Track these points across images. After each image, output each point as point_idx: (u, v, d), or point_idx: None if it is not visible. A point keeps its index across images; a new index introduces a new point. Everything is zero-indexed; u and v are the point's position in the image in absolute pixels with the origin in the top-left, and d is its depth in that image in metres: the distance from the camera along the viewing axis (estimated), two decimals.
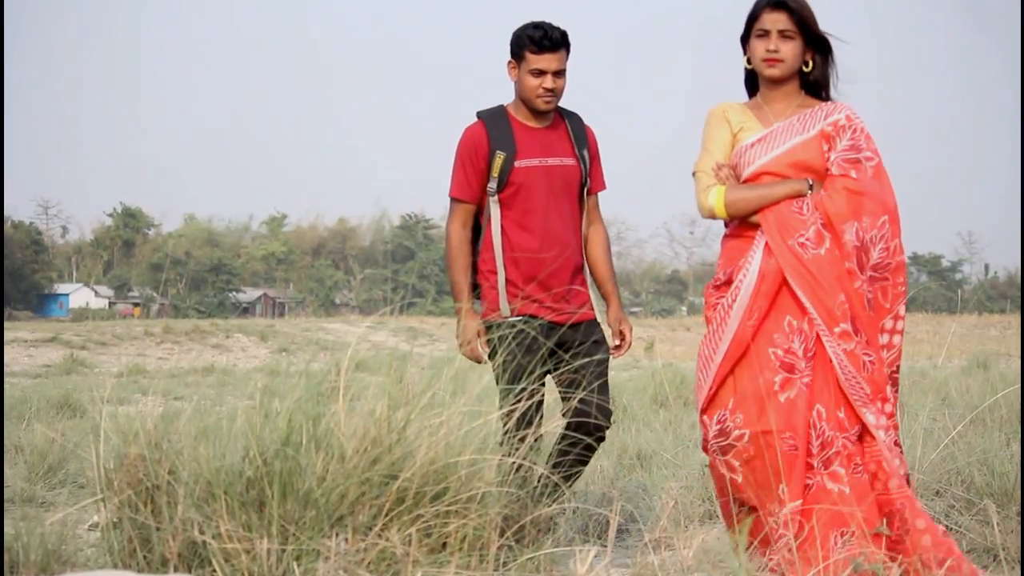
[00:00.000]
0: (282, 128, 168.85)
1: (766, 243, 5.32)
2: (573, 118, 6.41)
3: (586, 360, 6.09)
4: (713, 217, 5.44)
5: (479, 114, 6.36)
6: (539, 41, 6.17)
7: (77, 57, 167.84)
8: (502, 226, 6.25)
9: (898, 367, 5.37)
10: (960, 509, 6.55)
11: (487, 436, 4.77)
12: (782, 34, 5.37)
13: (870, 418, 5.24)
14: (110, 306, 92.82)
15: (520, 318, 6.14)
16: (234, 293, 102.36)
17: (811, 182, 5.33)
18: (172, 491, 4.60)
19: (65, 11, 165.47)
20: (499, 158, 6.23)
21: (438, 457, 4.59)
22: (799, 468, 5.16)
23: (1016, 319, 61.26)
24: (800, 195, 5.32)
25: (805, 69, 5.46)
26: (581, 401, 6.02)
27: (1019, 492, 6.72)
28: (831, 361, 5.24)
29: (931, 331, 48.31)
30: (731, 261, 5.42)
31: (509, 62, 6.29)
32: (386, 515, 4.50)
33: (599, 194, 6.46)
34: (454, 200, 6.34)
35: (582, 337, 6.17)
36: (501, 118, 6.33)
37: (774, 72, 5.41)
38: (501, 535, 4.74)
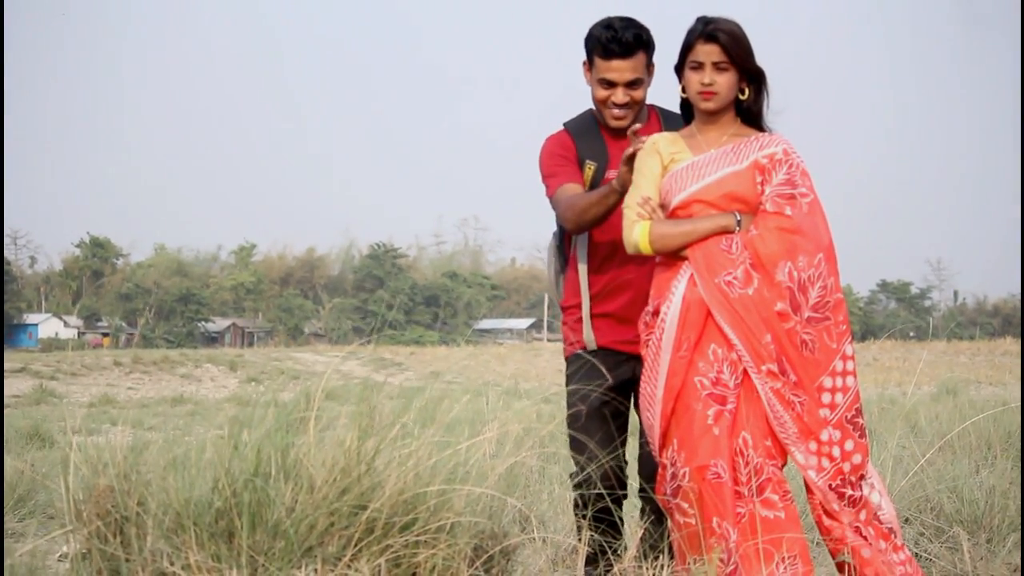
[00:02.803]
0: (251, 158, 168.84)
1: (691, 274, 5.18)
2: (674, 122, 5.58)
3: None
4: (639, 253, 5.27)
5: (565, 124, 5.66)
6: (606, 44, 5.40)
7: (43, 88, 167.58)
8: (588, 249, 5.65)
9: (858, 410, 5.16)
10: (930, 536, 6.58)
11: (456, 466, 4.76)
12: (716, 66, 5.23)
13: (799, 457, 5.11)
14: (79, 336, 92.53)
15: (597, 351, 5.62)
16: (203, 323, 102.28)
17: (739, 217, 5.19)
18: (141, 522, 4.58)
19: (31, 43, 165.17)
20: (589, 169, 5.55)
21: (407, 487, 4.58)
22: (728, 496, 5.03)
23: (985, 345, 61.50)
24: (728, 230, 5.18)
25: (741, 97, 5.31)
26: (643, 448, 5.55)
27: (989, 519, 6.75)
28: (758, 392, 5.12)
29: (900, 358, 48.47)
30: (660, 293, 5.27)
31: (584, 62, 5.55)
32: (355, 545, 4.49)
33: None
34: (558, 192, 5.50)
35: None
36: (590, 125, 5.61)
37: (709, 105, 5.26)
38: (470, 565, 4.73)
